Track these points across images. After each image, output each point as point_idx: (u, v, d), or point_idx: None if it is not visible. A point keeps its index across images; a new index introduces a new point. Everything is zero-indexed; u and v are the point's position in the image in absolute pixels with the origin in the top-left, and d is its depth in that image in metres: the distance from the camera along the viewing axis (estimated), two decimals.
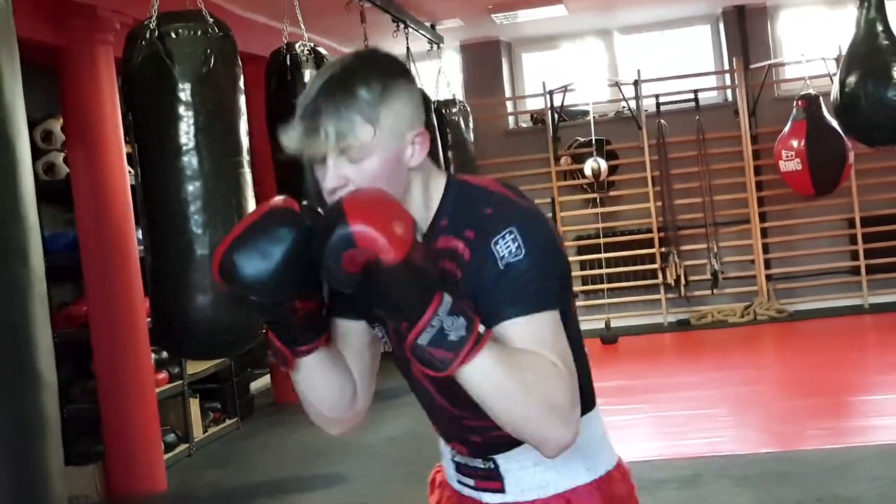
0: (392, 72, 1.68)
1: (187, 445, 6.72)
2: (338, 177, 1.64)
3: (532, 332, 1.60)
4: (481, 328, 1.53)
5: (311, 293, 1.65)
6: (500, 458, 1.81)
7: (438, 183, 1.74)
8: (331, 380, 1.77)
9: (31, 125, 4.72)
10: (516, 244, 1.62)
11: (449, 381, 1.58)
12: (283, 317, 1.64)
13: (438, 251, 1.67)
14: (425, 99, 5.54)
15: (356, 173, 1.63)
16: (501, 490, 1.83)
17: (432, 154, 1.74)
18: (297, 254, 1.57)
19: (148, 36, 3.96)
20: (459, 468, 1.89)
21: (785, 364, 8.47)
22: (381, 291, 1.53)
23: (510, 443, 1.74)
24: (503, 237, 1.62)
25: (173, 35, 3.95)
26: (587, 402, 1.81)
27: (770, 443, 5.76)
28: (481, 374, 1.54)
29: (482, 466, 1.84)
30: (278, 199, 1.66)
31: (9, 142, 2.55)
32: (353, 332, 1.85)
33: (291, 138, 1.65)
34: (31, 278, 2.55)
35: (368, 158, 1.63)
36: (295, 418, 7.25)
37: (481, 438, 1.79)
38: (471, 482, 1.87)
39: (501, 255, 1.61)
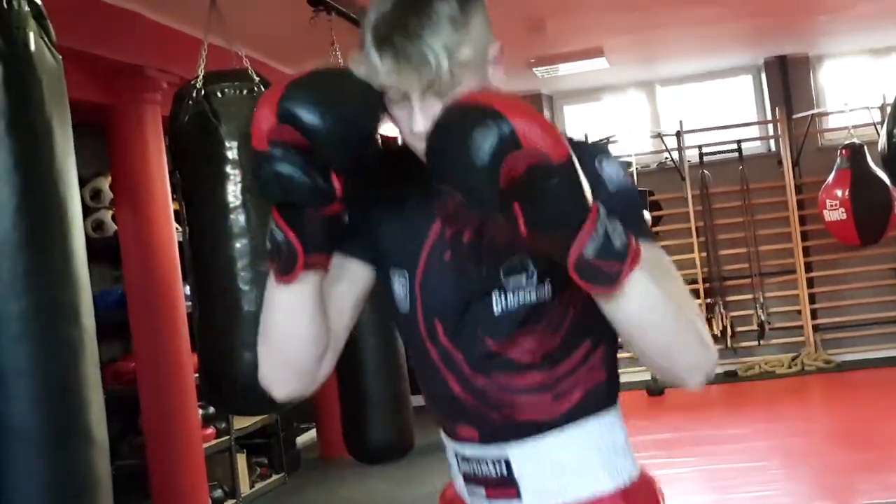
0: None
1: (234, 501, 6.71)
2: (428, 114, 1.43)
3: (654, 255, 1.46)
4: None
5: (351, 177, 1.43)
6: (514, 458, 1.62)
7: None
8: (314, 318, 1.53)
9: (81, 183, 4.78)
10: (617, 169, 1.51)
11: (473, 343, 1.55)
12: (316, 198, 1.40)
13: None
14: None
15: None
16: (517, 496, 1.63)
17: None
18: (362, 116, 1.41)
19: (194, 95, 4.00)
20: (468, 478, 1.68)
21: (834, 416, 8.34)
22: (541, 200, 1.30)
23: (519, 426, 1.61)
24: (606, 161, 1.50)
25: (219, 94, 3.98)
26: (613, 390, 1.70)
27: (822, 496, 5.67)
28: (643, 288, 1.38)
29: (493, 474, 1.63)
30: None
31: (62, 202, 2.58)
32: (350, 277, 1.63)
33: (378, 70, 1.42)
34: (82, 338, 2.57)
35: (460, 87, 1.44)
36: (342, 473, 7.23)
37: (498, 415, 1.61)
38: (482, 491, 1.66)
39: (610, 176, 1.49)
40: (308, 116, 1.35)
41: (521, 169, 1.29)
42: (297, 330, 1.53)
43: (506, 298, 1.55)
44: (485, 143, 1.27)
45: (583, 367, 1.62)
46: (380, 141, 1.75)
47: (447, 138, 1.31)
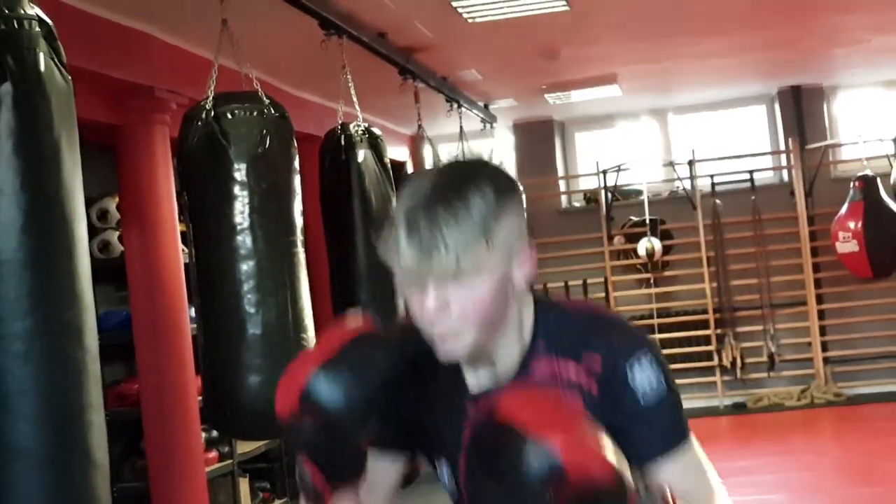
0: (502, 179, 1.51)
1: None
2: (440, 299, 1.45)
3: (687, 463, 1.54)
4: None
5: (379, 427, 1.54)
6: None
7: (529, 304, 1.57)
8: None
9: (88, 204, 4.77)
10: (655, 375, 1.50)
11: None
12: (341, 450, 1.49)
13: (540, 378, 1.52)
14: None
15: (460, 295, 1.44)
16: None
17: None
18: (387, 383, 1.48)
19: (204, 116, 3.99)
20: None
21: (844, 449, 8.26)
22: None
23: None
24: (638, 366, 1.49)
25: (229, 116, 3.98)
26: None
27: None
28: None
29: None
30: (357, 319, 1.55)
31: (68, 222, 2.59)
32: (385, 471, 1.69)
33: (406, 257, 1.44)
34: (85, 359, 2.57)
35: (478, 277, 1.44)
36: None
37: None
38: None
39: (643, 390, 1.49)
40: (331, 405, 1.43)
41: (569, 496, 1.27)
42: None
43: None
44: (528, 476, 1.26)
45: None
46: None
47: (485, 462, 1.32)
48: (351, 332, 1.50)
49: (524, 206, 1.57)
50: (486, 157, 1.58)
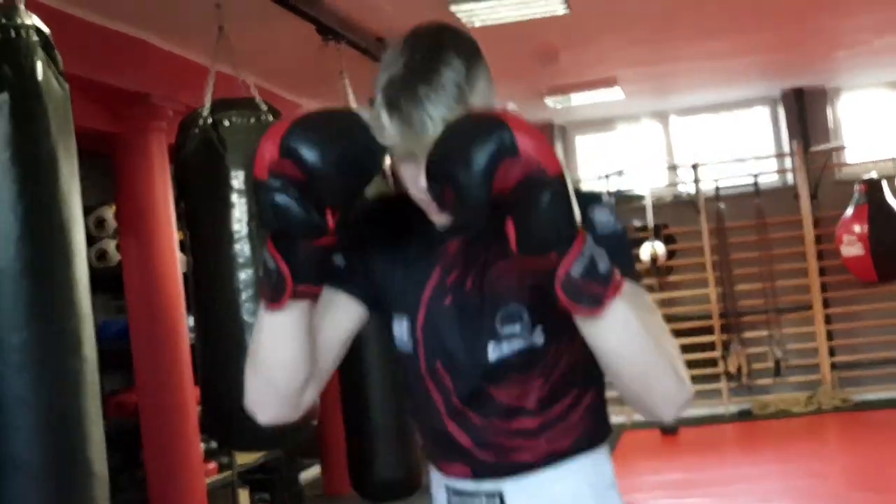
0: (467, 44, 1.58)
1: None
2: None
3: (638, 296, 1.55)
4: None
5: (346, 209, 1.51)
6: (508, 492, 1.66)
7: None
8: (300, 345, 1.59)
9: (85, 212, 4.73)
10: (608, 215, 1.58)
11: (469, 381, 1.62)
12: (308, 230, 1.46)
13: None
14: None
15: None
16: None
17: None
18: (362, 164, 1.48)
19: (201, 123, 3.96)
20: None
21: (851, 456, 8.19)
22: (533, 213, 1.37)
23: (513, 465, 1.66)
24: (598, 207, 1.57)
25: (226, 122, 3.95)
26: (604, 430, 1.76)
27: None
28: (623, 316, 1.47)
29: None
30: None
31: (66, 232, 2.61)
32: (341, 312, 1.69)
33: (389, 134, 1.50)
34: (84, 369, 2.59)
35: None
36: None
37: (491, 455, 1.66)
38: None
39: (600, 221, 1.56)
40: (308, 155, 1.42)
41: (516, 178, 1.35)
42: (283, 355, 1.59)
43: (500, 345, 1.62)
44: (484, 145, 1.35)
45: (574, 412, 1.68)
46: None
47: (450, 140, 1.40)
48: (330, 107, 1.53)
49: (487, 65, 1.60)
50: (445, 24, 1.62)
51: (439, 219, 1.58)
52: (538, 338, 1.61)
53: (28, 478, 2.46)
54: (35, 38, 2.59)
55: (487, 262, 1.63)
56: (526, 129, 1.37)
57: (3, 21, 2.55)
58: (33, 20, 2.62)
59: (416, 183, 1.52)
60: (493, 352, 1.62)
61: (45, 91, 2.58)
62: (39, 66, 2.58)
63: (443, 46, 1.54)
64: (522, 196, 1.37)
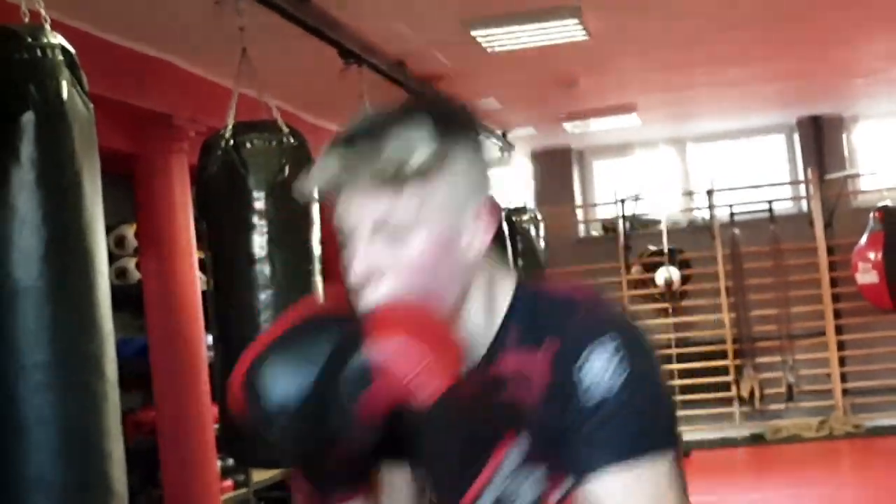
0: (453, 119, 1.27)
1: None
2: (368, 261, 1.22)
3: (633, 487, 1.18)
4: (563, 489, 1.15)
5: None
6: None
7: (506, 285, 1.31)
8: None
9: (106, 231, 4.78)
10: (616, 360, 1.19)
11: None
12: (318, 456, 1.23)
13: (503, 376, 1.25)
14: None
15: (393, 257, 1.22)
16: None
17: (499, 246, 1.36)
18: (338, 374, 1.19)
19: (223, 145, 3.98)
20: None
21: (863, 483, 8.17)
22: (418, 443, 1.16)
23: None
24: (596, 351, 1.19)
25: (248, 145, 3.96)
26: None
27: None
28: None
29: None
30: (326, 297, 1.36)
31: (89, 253, 2.60)
32: (402, 481, 1.39)
33: (316, 181, 1.25)
34: (105, 389, 2.58)
35: (410, 238, 1.22)
36: None
37: None
38: None
39: (589, 381, 1.18)
40: (269, 397, 1.22)
41: (382, 407, 1.14)
42: None
43: None
44: (340, 372, 1.16)
45: None
46: None
47: (329, 360, 1.19)
48: (301, 314, 1.28)
49: (484, 153, 1.31)
50: (445, 96, 1.37)
51: None
52: None
53: (49, 497, 2.45)
54: (61, 57, 2.58)
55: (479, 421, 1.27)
56: (391, 344, 1.13)
57: (30, 41, 2.54)
58: (59, 40, 2.61)
59: (351, 267, 1.25)
60: None
61: (70, 111, 2.58)
62: (65, 86, 2.57)
63: (418, 108, 1.26)
64: (402, 421, 1.15)
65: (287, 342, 1.24)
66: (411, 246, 1.21)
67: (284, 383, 1.20)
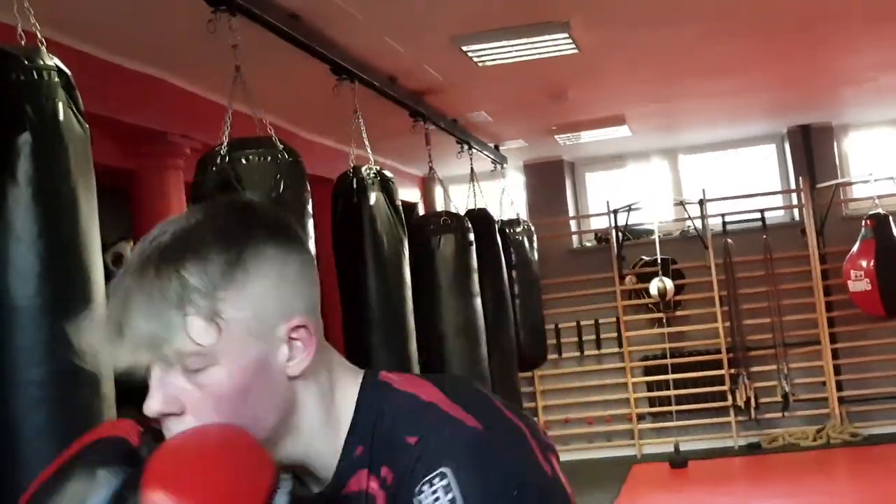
0: (252, 230, 1.11)
1: None
2: (165, 398, 1.08)
3: None
4: None
5: None
6: None
7: (349, 392, 1.16)
8: None
9: (103, 248, 4.80)
10: (448, 497, 1.04)
11: None
12: None
13: (350, 498, 1.13)
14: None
15: (195, 392, 1.08)
16: None
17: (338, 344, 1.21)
18: None
19: (218, 161, 4.01)
20: None
21: (861, 491, 8.20)
22: None
23: None
24: (427, 491, 1.05)
25: (244, 161, 3.99)
26: None
27: None
28: None
29: None
30: (116, 422, 1.21)
31: (85, 270, 2.62)
32: None
33: (92, 340, 1.17)
34: (101, 407, 2.59)
35: (211, 368, 1.07)
36: None
37: None
38: None
39: None
40: None
41: None
42: None
43: None
44: None
45: None
46: None
47: None
48: (84, 442, 1.15)
49: (300, 261, 1.15)
50: (243, 201, 1.21)
51: None
52: None
53: None
54: (56, 79, 2.63)
55: None
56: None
57: (26, 63, 2.58)
58: (55, 61, 2.65)
59: (146, 404, 1.10)
60: None
61: (66, 131, 2.62)
62: (61, 106, 2.61)
63: (204, 226, 1.10)
64: None
65: (59, 486, 1.11)
66: (212, 377, 1.07)
67: None
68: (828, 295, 9.96)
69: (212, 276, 1.07)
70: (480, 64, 5.98)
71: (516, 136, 9.15)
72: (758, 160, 10.78)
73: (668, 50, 6.40)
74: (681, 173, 10.86)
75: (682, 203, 10.34)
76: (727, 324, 10.05)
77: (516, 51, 5.82)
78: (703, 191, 10.14)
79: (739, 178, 10.58)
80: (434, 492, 1.04)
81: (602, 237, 10.67)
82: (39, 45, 2.70)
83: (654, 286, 9.73)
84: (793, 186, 10.33)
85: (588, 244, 10.93)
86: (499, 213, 8.46)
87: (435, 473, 1.04)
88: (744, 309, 10.07)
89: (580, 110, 8.14)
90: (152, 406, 1.07)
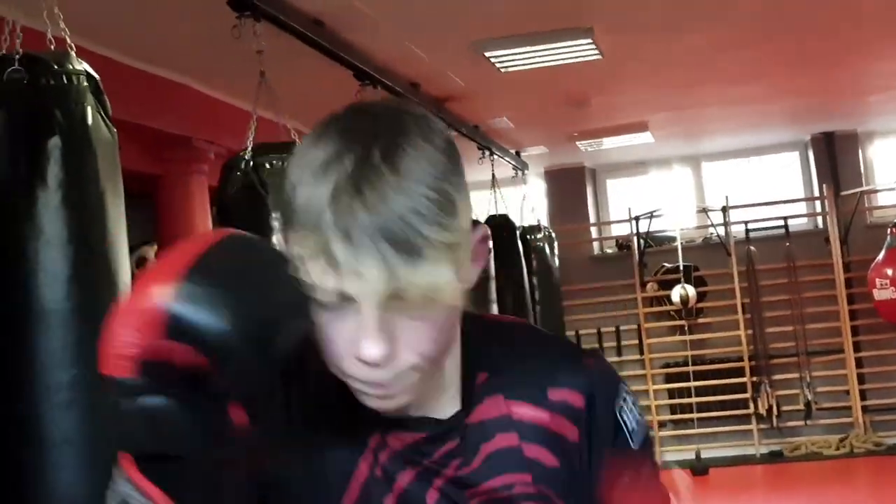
0: (445, 137, 1.00)
1: None
2: (388, 339, 0.95)
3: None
4: None
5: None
6: None
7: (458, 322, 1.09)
8: None
9: (128, 252, 4.85)
10: (637, 412, 1.17)
11: None
12: (207, 446, 0.90)
13: (491, 425, 1.10)
14: None
15: (416, 325, 0.97)
16: None
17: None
18: (293, 319, 0.93)
19: (243, 166, 4.04)
20: None
21: (884, 501, 8.13)
22: None
23: None
24: (624, 404, 1.15)
25: (268, 165, 4.02)
26: None
27: None
28: None
29: None
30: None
31: (113, 273, 2.63)
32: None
33: (334, 275, 0.92)
34: None
35: (440, 302, 0.96)
36: None
37: None
38: None
39: (631, 430, 1.14)
40: (212, 331, 0.86)
41: None
42: None
43: None
44: None
45: None
46: None
47: None
48: (215, 236, 0.95)
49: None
50: (401, 104, 1.05)
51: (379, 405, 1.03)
52: None
53: None
54: (85, 83, 2.64)
55: (467, 475, 1.08)
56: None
57: (56, 67, 2.60)
58: (84, 66, 2.67)
59: (360, 349, 0.95)
60: None
61: (95, 135, 2.63)
62: (89, 111, 2.62)
63: (411, 135, 0.96)
64: None
65: (213, 258, 0.91)
66: (433, 320, 0.98)
67: (227, 308, 0.87)
68: (851, 303, 9.90)
69: (451, 191, 0.96)
70: (503, 70, 5.99)
71: (538, 143, 9.15)
72: (781, 167, 10.74)
73: (692, 56, 6.39)
74: (704, 180, 10.83)
75: (704, 210, 10.31)
76: (749, 331, 10.01)
77: (539, 56, 5.83)
78: (727, 198, 10.11)
79: (762, 186, 10.54)
80: (627, 400, 1.14)
81: (623, 244, 10.64)
82: (69, 50, 2.71)
83: (676, 293, 9.71)
84: (816, 194, 10.28)
85: (609, 251, 10.91)
86: (520, 219, 8.46)
87: (622, 387, 1.15)
88: (766, 317, 10.03)
89: (602, 117, 8.14)
90: (377, 352, 0.94)
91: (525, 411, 1.09)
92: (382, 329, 0.94)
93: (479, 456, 1.08)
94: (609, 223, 11.02)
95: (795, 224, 10.20)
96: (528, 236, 8.34)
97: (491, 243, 0.92)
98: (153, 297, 0.86)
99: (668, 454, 9.76)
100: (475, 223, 1.05)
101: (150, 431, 0.88)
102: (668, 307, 10.13)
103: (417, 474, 1.07)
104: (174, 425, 0.87)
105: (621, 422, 1.13)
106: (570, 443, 1.10)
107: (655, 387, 10.10)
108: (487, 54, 5.67)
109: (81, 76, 2.65)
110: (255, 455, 0.98)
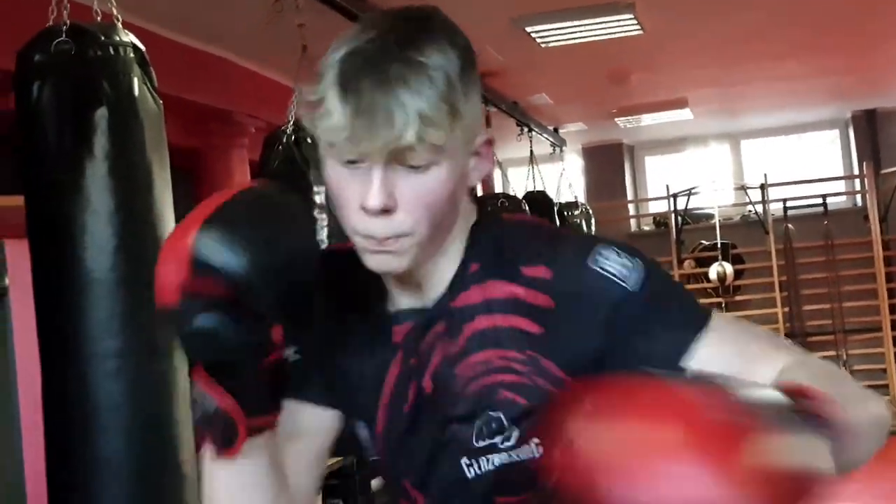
0: (461, 37, 1.15)
1: None
2: (386, 189, 1.09)
3: (719, 338, 1.15)
4: None
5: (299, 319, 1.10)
6: None
7: (470, 212, 1.23)
8: (270, 490, 1.17)
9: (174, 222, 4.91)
10: (627, 259, 1.15)
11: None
12: (251, 353, 1.05)
13: (467, 308, 1.19)
14: None
15: (413, 185, 1.09)
16: None
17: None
18: (302, 253, 1.07)
19: (284, 140, 4.07)
20: None
21: None
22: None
23: None
24: (602, 258, 1.14)
25: (309, 140, 4.05)
26: None
27: None
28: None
29: None
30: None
31: (159, 243, 2.61)
32: (308, 428, 1.25)
33: (336, 125, 1.07)
34: (175, 377, 2.61)
35: (437, 167, 1.09)
36: None
37: None
38: None
39: (621, 275, 1.14)
40: (233, 264, 1.00)
41: None
42: None
43: (478, 463, 1.20)
44: None
45: None
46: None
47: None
48: (243, 186, 1.10)
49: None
50: (437, 9, 1.18)
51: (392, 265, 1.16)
52: (530, 448, 1.18)
53: (121, 479, 2.51)
54: (132, 55, 2.65)
55: (454, 354, 1.20)
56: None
57: (103, 39, 2.61)
58: (130, 38, 2.68)
59: (366, 200, 1.09)
60: (471, 469, 1.21)
61: (142, 107, 2.64)
62: (136, 82, 2.63)
63: (432, 27, 1.13)
64: None
65: (239, 205, 1.06)
66: (433, 176, 1.10)
67: (250, 244, 1.01)
68: (890, 282, 9.83)
69: (455, 74, 1.10)
70: (543, 45, 5.98)
71: (576, 119, 9.12)
72: (821, 145, 10.66)
73: (733, 33, 6.35)
74: (742, 157, 10.76)
75: (743, 187, 10.25)
76: (786, 309, 9.96)
77: (580, 31, 5.81)
78: (765, 175, 10.05)
79: (801, 164, 10.47)
80: (607, 254, 1.15)
81: (661, 221, 10.61)
82: (115, 22, 2.73)
83: (713, 271, 9.67)
84: (856, 172, 10.19)
85: (646, 228, 10.89)
86: (557, 195, 8.45)
87: (598, 247, 1.16)
88: (803, 295, 9.98)
89: (642, 93, 8.10)
90: (376, 200, 1.08)
91: (501, 287, 1.18)
92: (384, 185, 1.08)
93: (463, 335, 1.19)
94: (647, 200, 10.98)
95: (834, 202, 10.12)
96: (566, 213, 8.33)
97: (490, 154, 1.00)
98: (184, 239, 1.02)
99: None
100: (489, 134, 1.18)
101: (203, 347, 1.03)
102: (706, 284, 10.10)
103: (417, 368, 1.22)
104: (221, 340, 1.02)
105: (602, 272, 1.14)
106: (545, 310, 1.16)
107: None
108: (528, 29, 5.66)
109: (128, 47, 2.65)
110: (285, 352, 1.13)
